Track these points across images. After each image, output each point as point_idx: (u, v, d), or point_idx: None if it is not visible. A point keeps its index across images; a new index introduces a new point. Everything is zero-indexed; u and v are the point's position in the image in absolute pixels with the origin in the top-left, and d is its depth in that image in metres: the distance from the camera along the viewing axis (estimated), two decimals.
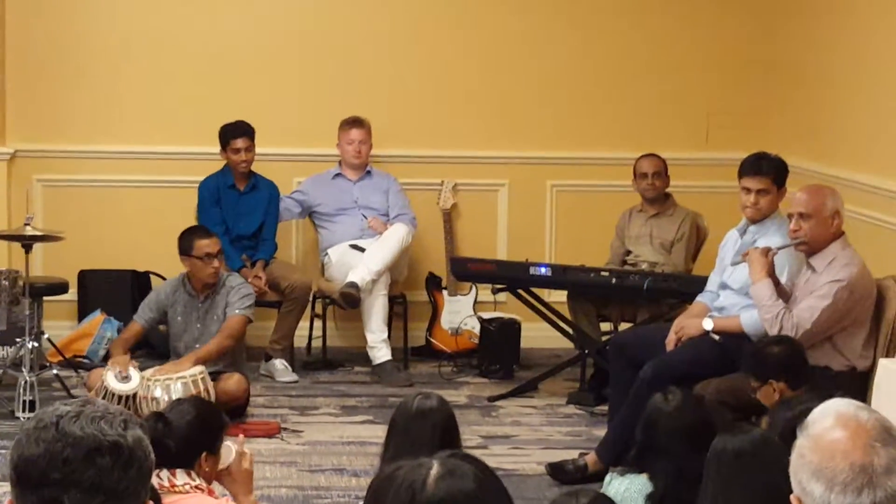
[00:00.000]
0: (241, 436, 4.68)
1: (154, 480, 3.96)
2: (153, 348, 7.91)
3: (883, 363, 5.42)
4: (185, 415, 4.30)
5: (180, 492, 4.03)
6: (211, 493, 4.19)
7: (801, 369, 5.26)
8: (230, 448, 4.37)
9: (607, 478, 4.59)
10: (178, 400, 4.68)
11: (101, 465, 2.07)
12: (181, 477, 4.09)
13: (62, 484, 2.07)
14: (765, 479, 3.63)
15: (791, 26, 8.46)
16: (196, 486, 4.10)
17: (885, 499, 2.32)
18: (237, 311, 7.21)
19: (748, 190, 6.25)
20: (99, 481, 2.07)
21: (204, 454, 4.23)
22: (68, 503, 2.06)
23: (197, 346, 7.17)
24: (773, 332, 5.73)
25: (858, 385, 5.54)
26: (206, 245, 7.19)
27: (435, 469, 2.28)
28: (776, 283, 5.99)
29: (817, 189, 5.99)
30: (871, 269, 5.96)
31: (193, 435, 4.24)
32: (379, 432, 6.89)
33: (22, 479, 2.10)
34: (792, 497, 2.43)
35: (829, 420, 2.40)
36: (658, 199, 8.00)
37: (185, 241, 7.25)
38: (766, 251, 5.91)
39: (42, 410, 2.16)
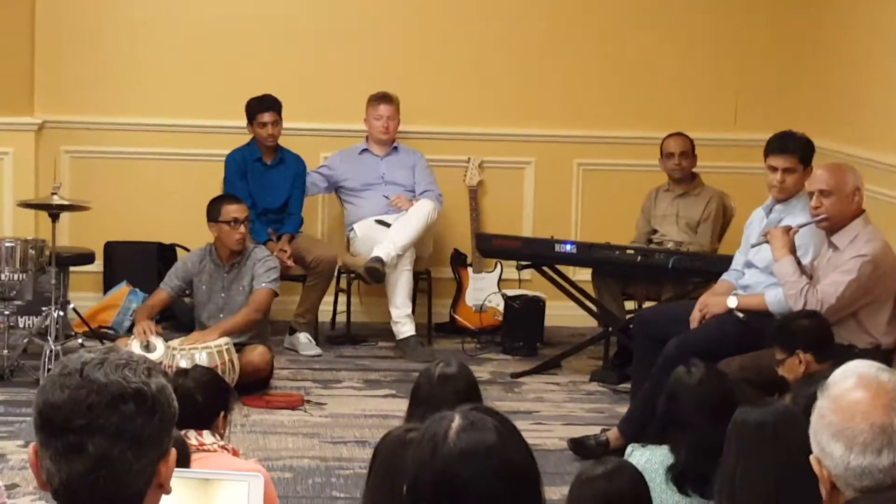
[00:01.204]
0: None
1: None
2: (177, 319, 7.94)
3: None
4: (201, 376, 4.39)
5: (208, 450, 4.11)
6: (235, 453, 4.26)
7: (828, 343, 5.27)
8: None
9: (628, 449, 4.60)
10: (183, 370, 4.71)
11: (125, 411, 2.08)
12: (208, 437, 4.17)
13: (86, 430, 2.07)
14: (785, 451, 3.63)
15: (823, 5, 8.41)
16: (222, 446, 4.17)
17: None
18: (263, 285, 7.24)
19: (774, 168, 6.25)
20: (122, 427, 2.08)
21: (222, 413, 4.30)
22: (92, 449, 2.07)
23: (221, 315, 7.21)
24: (798, 307, 5.74)
25: (883, 362, 5.51)
26: (234, 210, 7.23)
27: (457, 422, 2.30)
28: (797, 263, 5.98)
29: (837, 166, 5.99)
30: None
31: (212, 395, 4.32)
32: (401, 406, 6.87)
33: (46, 424, 2.10)
34: (811, 458, 2.43)
35: (850, 381, 2.41)
36: (685, 178, 7.98)
37: (214, 207, 7.28)
38: (787, 229, 5.92)
39: (67, 357, 2.17)
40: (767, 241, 6.06)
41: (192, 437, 4.14)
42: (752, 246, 6.24)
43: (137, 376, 2.11)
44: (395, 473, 3.19)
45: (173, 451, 2.16)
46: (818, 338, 5.25)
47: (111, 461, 2.08)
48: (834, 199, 5.78)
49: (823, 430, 2.39)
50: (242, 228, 7.23)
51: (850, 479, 2.34)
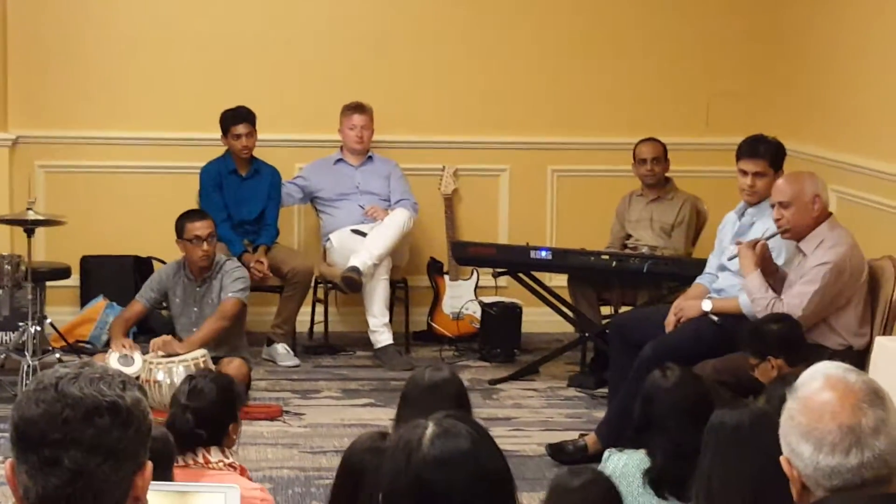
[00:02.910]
0: None
1: (189, 458, 4.09)
2: (155, 332, 7.92)
3: (879, 341, 5.45)
4: (206, 396, 4.33)
5: (214, 468, 4.11)
6: (243, 471, 4.26)
7: (799, 346, 5.31)
8: None
9: (605, 454, 4.62)
10: (191, 379, 4.57)
11: (100, 424, 2.10)
12: (215, 454, 4.17)
13: (61, 444, 2.09)
14: (762, 452, 3.65)
15: (794, 7, 8.46)
16: (229, 465, 4.17)
17: (872, 458, 2.35)
18: (230, 294, 7.24)
19: (745, 172, 6.29)
20: (98, 441, 2.09)
21: (231, 425, 4.29)
22: (68, 462, 2.09)
23: (194, 329, 7.22)
24: None
25: (855, 363, 5.52)
26: (195, 228, 7.21)
27: (430, 429, 2.32)
28: (775, 269, 6.02)
29: (795, 176, 6.03)
30: (869, 250, 5.98)
31: (219, 413, 4.29)
32: (381, 415, 6.97)
33: (22, 439, 2.12)
34: (781, 459, 2.45)
35: (817, 382, 2.43)
36: (658, 183, 8.01)
37: (179, 224, 7.28)
38: (754, 244, 5.96)
39: (42, 373, 2.18)
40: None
41: (200, 455, 4.15)
42: (729, 259, 6.28)
43: (112, 390, 2.13)
44: (359, 479, 3.21)
45: (149, 464, 2.17)
46: (789, 342, 5.28)
47: (87, 475, 2.09)
48: (794, 210, 5.82)
49: (792, 430, 2.41)
50: (206, 245, 7.21)
51: (819, 479, 2.37)
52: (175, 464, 4.10)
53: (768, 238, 5.99)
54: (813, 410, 2.39)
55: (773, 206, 5.92)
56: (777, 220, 5.89)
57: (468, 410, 4.15)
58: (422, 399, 4.08)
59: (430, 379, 4.16)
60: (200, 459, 4.18)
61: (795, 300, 5.77)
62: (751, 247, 5.97)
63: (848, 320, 5.82)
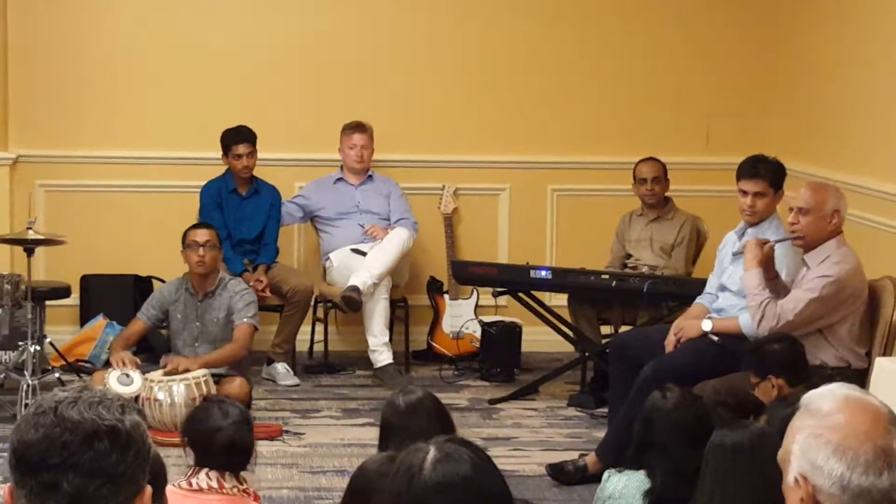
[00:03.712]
0: None
1: (203, 481, 4.04)
2: (154, 351, 7.93)
3: (880, 362, 5.45)
4: (244, 423, 4.32)
5: (228, 494, 4.07)
6: (256, 498, 4.23)
7: (800, 366, 5.29)
8: None
9: (605, 474, 4.62)
10: (222, 403, 4.42)
11: (99, 449, 2.09)
12: (230, 480, 4.13)
13: (61, 468, 2.08)
14: (762, 473, 3.65)
15: (792, 28, 8.48)
16: (244, 490, 4.15)
17: None
18: (245, 320, 7.25)
19: (745, 193, 6.28)
20: (97, 465, 2.09)
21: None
22: (67, 487, 2.08)
23: (196, 344, 7.24)
24: (756, 318, 5.81)
25: (855, 384, 5.54)
26: (194, 234, 7.30)
27: (432, 453, 2.31)
28: (775, 275, 6.01)
29: (821, 186, 6.03)
30: (868, 270, 5.98)
31: (252, 444, 4.28)
32: None
33: (21, 463, 2.11)
34: (792, 477, 2.42)
35: (840, 402, 2.41)
36: (658, 203, 8.02)
37: (183, 235, 7.34)
38: (763, 243, 5.96)
39: (41, 396, 2.18)
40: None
41: (214, 478, 4.12)
42: (734, 254, 6.28)
43: (111, 414, 2.12)
44: (367, 501, 3.19)
45: (148, 489, 2.17)
46: (790, 363, 5.27)
47: (86, 499, 2.09)
48: (811, 219, 5.82)
49: (820, 448, 2.37)
50: (202, 251, 7.24)
51: (845, 498, 2.34)
52: (188, 487, 4.08)
53: (777, 241, 5.99)
54: (844, 428, 2.36)
55: (790, 210, 5.91)
56: (792, 225, 5.89)
57: (450, 423, 4.16)
58: (403, 423, 4.07)
59: (406, 402, 4.15)
60: (214, 483, 4.14)
61: (790, 304, 5.79)
62: (759, 245, 5.97)
63: (842, 336, 5.82)
